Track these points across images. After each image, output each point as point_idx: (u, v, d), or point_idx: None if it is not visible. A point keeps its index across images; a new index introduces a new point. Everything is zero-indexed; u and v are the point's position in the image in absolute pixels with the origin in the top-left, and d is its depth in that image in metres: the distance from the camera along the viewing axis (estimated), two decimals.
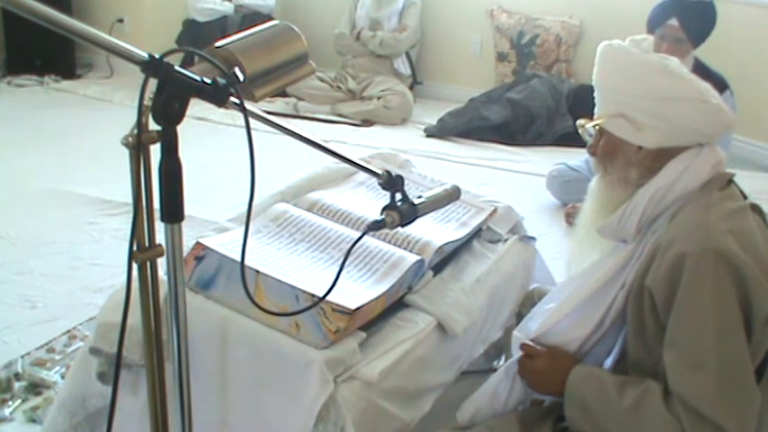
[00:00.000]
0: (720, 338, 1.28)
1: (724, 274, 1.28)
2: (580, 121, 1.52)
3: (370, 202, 1.99)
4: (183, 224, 1.06)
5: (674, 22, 3.13)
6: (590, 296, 1.48)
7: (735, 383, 1.29)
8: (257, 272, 1.53)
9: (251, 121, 1.06)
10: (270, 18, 5.01)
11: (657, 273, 1.33)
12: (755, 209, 1.44)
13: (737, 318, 1.28)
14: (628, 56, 1.44)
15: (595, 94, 1.51)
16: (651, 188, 1.42)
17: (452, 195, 1.53)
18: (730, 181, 1.45)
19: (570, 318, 1.50)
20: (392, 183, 1.40)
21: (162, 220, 1.04)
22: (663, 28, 3.15)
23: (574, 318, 1.50)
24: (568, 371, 1.45)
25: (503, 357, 2.31)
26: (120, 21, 5.62)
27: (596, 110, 1.50)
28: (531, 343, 1.53)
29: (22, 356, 2.35)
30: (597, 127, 1.49)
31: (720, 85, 3.22)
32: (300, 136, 1.24)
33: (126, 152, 1.00)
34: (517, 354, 1.56)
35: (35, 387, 2.23)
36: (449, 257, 1.90)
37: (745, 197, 1.46)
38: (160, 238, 1.06)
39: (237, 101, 1.05)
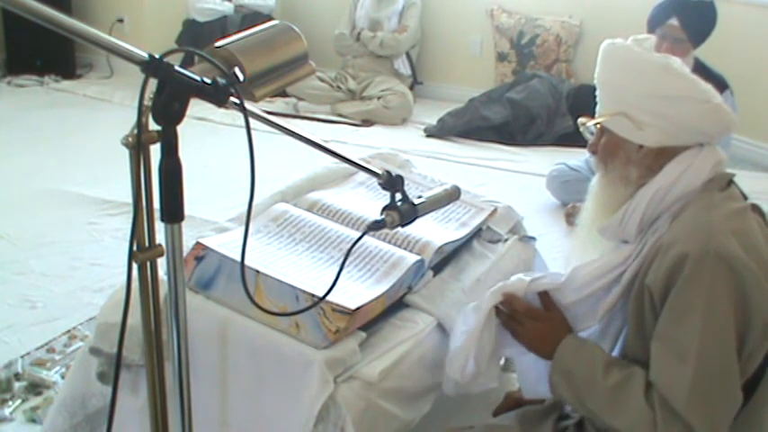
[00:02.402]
0: (705, 339, 1.28)
1: (722, 277, 1.28)
2: (581, 120, 1.52)
3: (370, 202, 1.99)
4: (183, 224, 1.06)
5: (674, 21, 3.13)
6: (585, 282, 1.49)
7: (712, 385, 1.29)
8: (257, 272, 1.53)
9: (251, 121, 1.06)
10: (270, 18, 5.01)
11: (658, 272, 1.34)
12: (756, 209, 1.44)
13: (728, 322, 1.29)
14: (630, 54, 1.44)
15: (597, 92, 1.51)
16: (652, 188, 1.42)
17: (452, 195, 1.53)
18: (731, 181, 1.45)
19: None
20: (392, 183, 1.40)
21: (162, 220, 1.04)
22: (663, 28, 3.15)
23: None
24: (558, 342, 1.46)
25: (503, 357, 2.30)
26: (120, 21, 5.62)
27: (598, 108, 1.50)
28: (527, 302, 1.52)
29: (22, 356, 2.35)
30: (598, 125, 1.49)
31: (720, 84, 3.22)
32: (300, 136, 1.24)
33: (126, 152, 1.00)
34: (491, 300, 1.54)
35: (35, 387, 2.23)
36: (449, 257, 1.90)
37: (745, 197, 1.46)
38: (160, 238, 1.06)
39: (237, 101, 1.05)
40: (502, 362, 2.30)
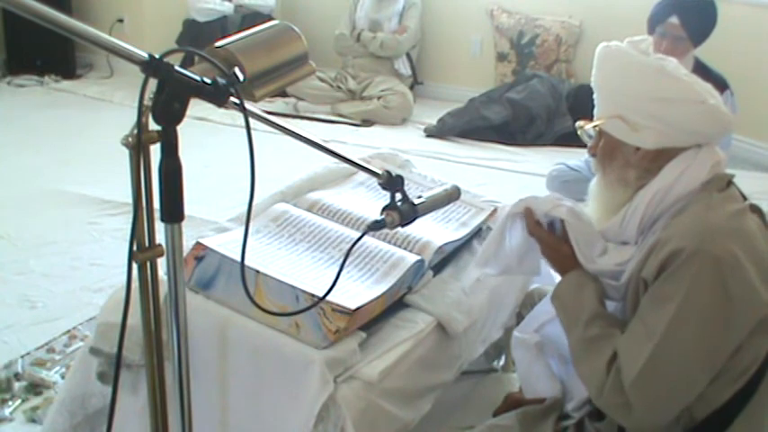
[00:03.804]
0: (672, 328, 1.30)
1: (707, 275, 1.29)
2: (579, 123, 1.53)
3: (370, 202, 1.99)
4: (183, 224, 1.06)
5: (674, 20, 3.12)
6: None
7: (664, 372, 1.32)
8: (257, 272, 1.53)
9: (251, 121, 1.06)
10: (270, 18, 5.01)
11: (652, 266, 1.35)
12: (755, 209, 1.44)
13: (701, 319, 1.30)
14: (624, 57, 1.45)
15: (594, 95, 1.52)
16: (651, 190, 1.42)
17: (452, 195, 1.53)
18: (730, 182, 1.45)
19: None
20: (392, 183, 1.40)
21: (162, 220, 1.04)
22: (663, 26, 3.15)
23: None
24: (567, 270, 1.52)
25: (503, 357, 2.31)
26: (120, 21, 5.62)
27: (596, 111, 1.51)
28: (538, 226, 1.56)
29: (22, 356, 2.35)
30: (597, 128, 1.49)
31: (720, 84, 3.21)
32: (300, 136, 1.24)
33: (126, 152, 1.00)
34: (515, 207, 1.60)
35: (35, 387, 2.23)
36: (449, 257, 1.90)
37: (744, 198, 1.46)
38: (160, 238, 1.06)
39: (237, 101, 1.05)
40: (502, 362, 2.31)
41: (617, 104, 1.45)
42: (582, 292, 1.48)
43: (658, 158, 1.43)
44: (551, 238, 1.55)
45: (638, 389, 1.32)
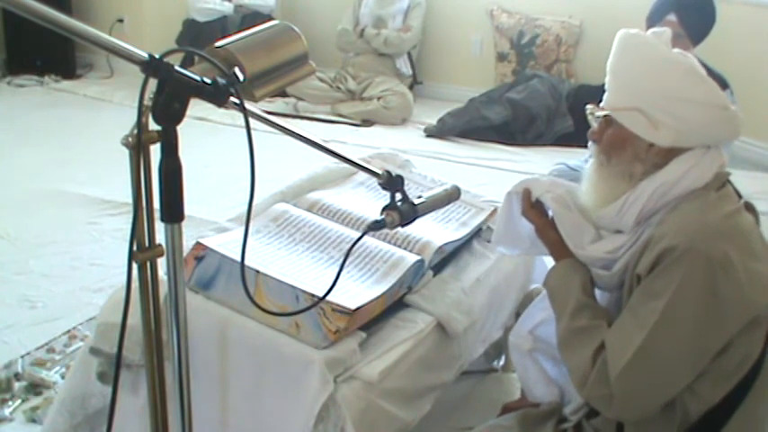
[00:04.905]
0: (658, 326, 1.31)
1: (698, 274, 1.29)
2: (590, 107, 1.49)
3: (370, 202, 1.99)
4: (183, 224, 1.06)
5: (672, 17, 3.12)
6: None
7: (648, 367, 1.32)
8: (257, 272, 1.53)
9: (251, 121, 1.06)
10: (270, 18, 5.01)
11: (646, 261, 1.35)
12: (749, 208, 1.44)
13: (688, 319, 1.30)
14: (653, 51, 1.41)
15: (608, 80, 1.47)
16: (654, 183, 1.41)
17: (452, 195, 1.53)
18: (726, 180, 1.44)
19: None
20: (392, 183, 1.39)
21: (162, 220, 1.04)
22: (662, 23, 3.14)
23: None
24: (559, 256, 1.53)
25: (503, 357, 2.31)
26: (120, 21, 5.62)
27: (608, 97, 1.46)
28: (533, 209, 1.58)
29: (22, 356, 2.35)
30: (608, 116, 1.46)
31: (721, 84, 3.21)
32: (300, 136, 1.24)
33: (126, 152, 1.00)
34: (515, 187, 1.62)
35: (35, 387, 2.23)
36: (449, 257, 1.90)
37: (739, 196, 1.45)
38: (160, 238, 1.06)
39: (237, 101, 1.05)
40: (502, 362, 2.31)
41: (638, 98, 1.41)
42: (570, 281, 1.48)
43: (668, 155, 1.42)
44: (541, 222, 1.56)
45: (624, 380, 1.32)
